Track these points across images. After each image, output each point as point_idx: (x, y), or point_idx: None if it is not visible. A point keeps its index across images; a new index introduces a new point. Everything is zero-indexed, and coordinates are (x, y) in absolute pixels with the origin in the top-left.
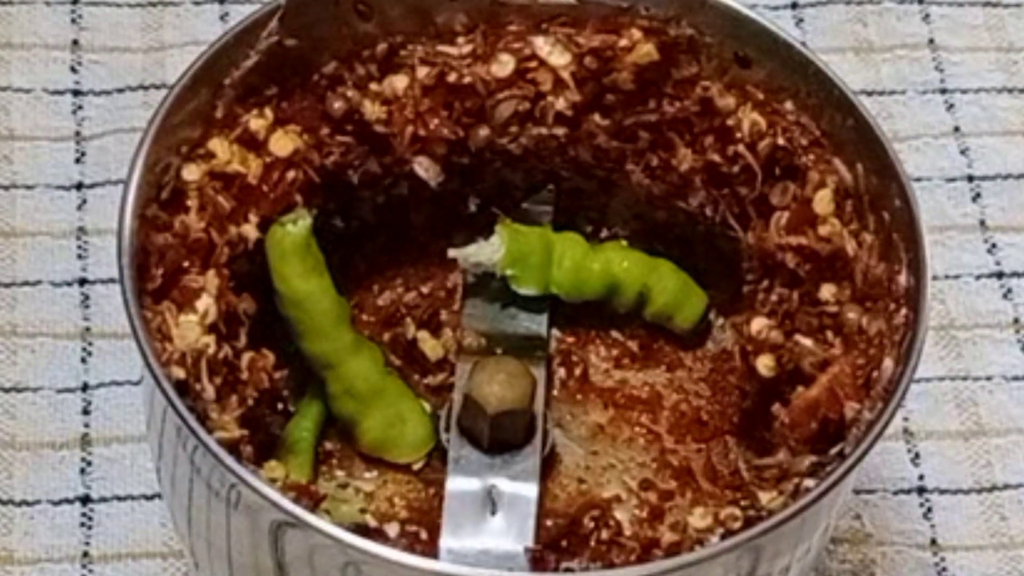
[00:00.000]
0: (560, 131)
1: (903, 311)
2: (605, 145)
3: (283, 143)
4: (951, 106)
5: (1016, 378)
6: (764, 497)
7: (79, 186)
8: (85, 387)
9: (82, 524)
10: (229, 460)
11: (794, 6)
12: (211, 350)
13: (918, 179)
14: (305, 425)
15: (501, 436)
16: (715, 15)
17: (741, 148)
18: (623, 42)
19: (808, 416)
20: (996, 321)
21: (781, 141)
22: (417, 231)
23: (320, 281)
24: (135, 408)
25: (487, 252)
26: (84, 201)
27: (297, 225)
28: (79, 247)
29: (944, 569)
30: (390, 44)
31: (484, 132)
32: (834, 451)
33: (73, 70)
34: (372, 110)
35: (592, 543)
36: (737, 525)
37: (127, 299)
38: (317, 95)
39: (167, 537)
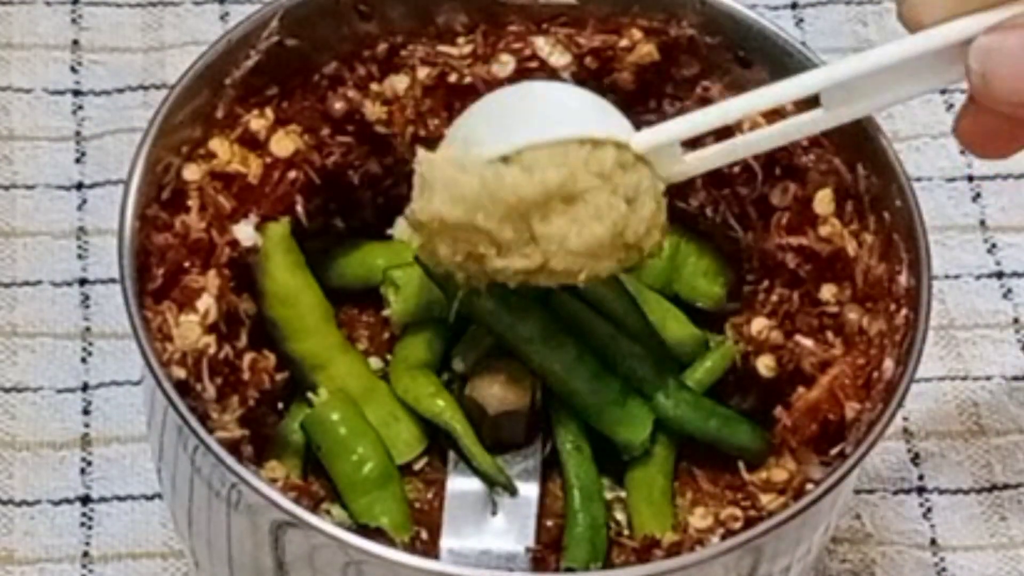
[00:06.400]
0: None
1: (903, 311)
2: None
3: (284, 143)
4: (951, 106)
5: (1016, 378)
6: (764, 497)
7: (79, 186)
8: (85, 387)
9: (82, 524)
10: (230, 460)
11: (794, 6)
12: (212, 350)
13: (918, 179)
14: (296, 427)
15: (501, 436)
16: (715, 15)
17: None
18: (623, 42)
19: (809, 418)
20: (996, 321)
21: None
22: None
23: (305, 277)
24: (135, 408)
25: None
26: (84, 201)
27: (279, 222)
28: (79, 247)
29: (944, 569)
30: (391, 44)
31: None
32: (835, 451)
33: (73, 70)
34: (373, 110)
35: None
36: (738, 525)
37: (127, 299)
38: (318, 95)
39: (167, 537)
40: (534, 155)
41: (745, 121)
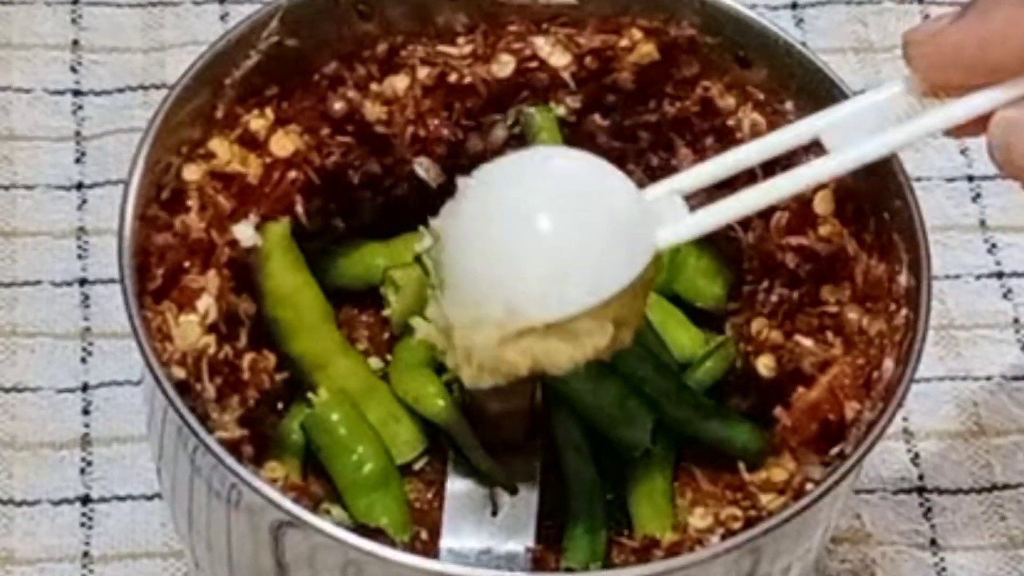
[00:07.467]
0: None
1: (903, 311)
2: (605, 145)
3: (284, 143)
4: None
5: (1016, 378)
6: (764, 497)
7: (79, 186)
8: (85, 387)
9: (82, 524)
10: (229, 460)
11: (794, 6)
12: (212, 350)
13: (918, 179)
14: (296, 427)
15: (501, 436)
16: (715, 15)
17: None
18: (624, 42)
19: (809, 418)
20: (996, 321)
21: None
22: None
23: (305, 277)
24: (135, 408)
25: None
26: (84, 201)
27: (279, 222)
28: (79, 247)
29: (944, 569)
30: (390, 44)
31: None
32: (834, 451)
33: (73, 70)
34: (373, 110)
35: None
36: (738, 525)
37: (127, 299)
38: (318, 95)
39: (167, 537)
40: (578, 321)
41: (745, 121)
